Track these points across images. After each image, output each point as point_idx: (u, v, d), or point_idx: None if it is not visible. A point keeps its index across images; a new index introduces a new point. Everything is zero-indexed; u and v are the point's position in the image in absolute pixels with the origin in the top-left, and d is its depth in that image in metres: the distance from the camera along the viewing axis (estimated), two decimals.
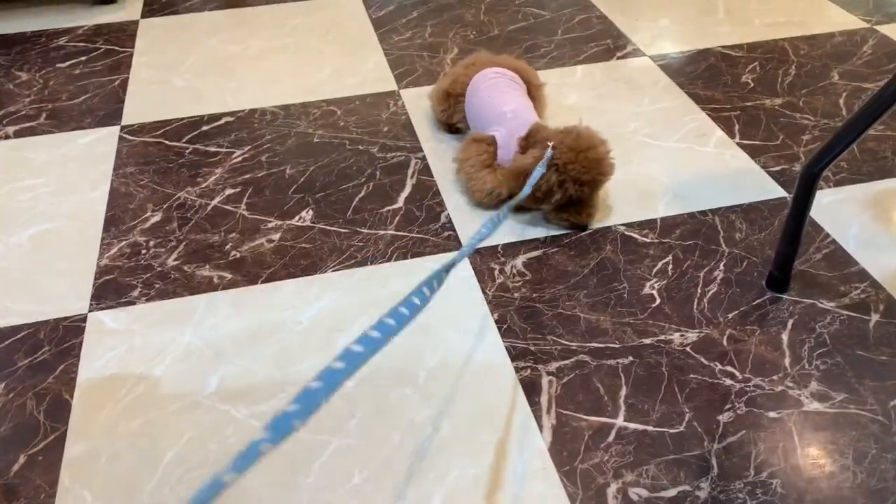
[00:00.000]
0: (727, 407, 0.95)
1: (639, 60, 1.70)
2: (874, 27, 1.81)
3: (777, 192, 1.31)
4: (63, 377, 1.01)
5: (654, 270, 1.15)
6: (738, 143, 1.43)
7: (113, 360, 1.03)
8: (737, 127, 1.47)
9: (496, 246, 1.20)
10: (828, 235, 1.21)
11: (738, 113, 1.51)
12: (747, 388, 0.98)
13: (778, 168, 1.36)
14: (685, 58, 1.71)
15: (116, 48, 1.80)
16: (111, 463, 0.91)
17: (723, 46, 1.74)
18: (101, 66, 1.73)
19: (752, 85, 1.60)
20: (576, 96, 1.59)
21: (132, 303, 1.12)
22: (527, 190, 1.11)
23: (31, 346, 1.06)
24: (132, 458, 0.91)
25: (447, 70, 1.60)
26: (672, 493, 0.86)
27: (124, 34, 1.86)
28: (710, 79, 1.62)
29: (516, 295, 1.11)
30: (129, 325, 1.08)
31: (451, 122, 1.43)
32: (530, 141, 1.23)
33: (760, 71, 1.65)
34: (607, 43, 1.78)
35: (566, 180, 1.15)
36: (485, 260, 1.17)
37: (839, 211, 1.26)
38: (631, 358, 1.02)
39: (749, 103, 1.54)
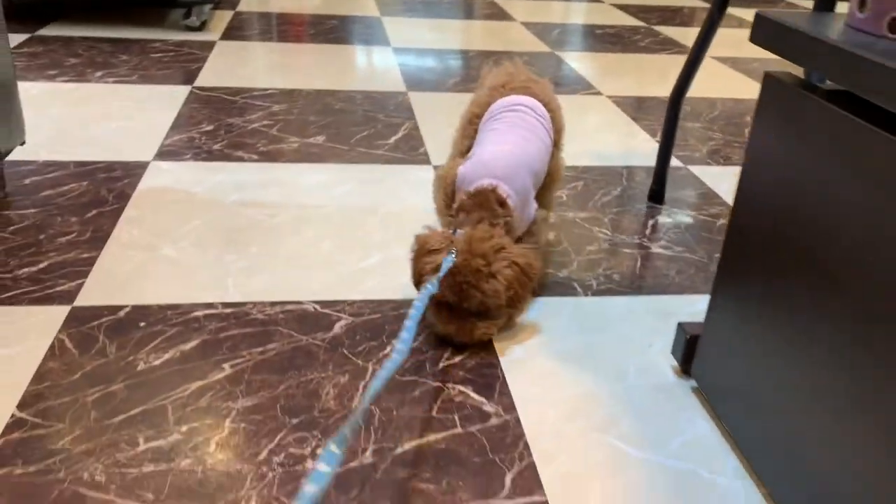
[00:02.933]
0: (602, 247, 1.32)
1: None
2: None
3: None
4: (129, 184, 1.42)
5: (569, 188, 1.55)
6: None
7: (164, 181, 1.44)
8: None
9: None
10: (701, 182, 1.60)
11: None
12: (616, 240, 1.34)
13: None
14: None
15: (196, 52, 2.34)
16: (154, 216, 1.30)
17: None
18: (183, 60, 2.26)
19: None
20: None
21: (182, 160, 1.54)
22: (435, 282, 0.95)
23: (108, 171, 1.47)
24: (169, 216, 1.30)
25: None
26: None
27: (205, 47, 2.41)
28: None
29: None
30: (178, 169, 1.50)
31: None
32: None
33: None
34: None
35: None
36: None
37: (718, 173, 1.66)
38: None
39: None
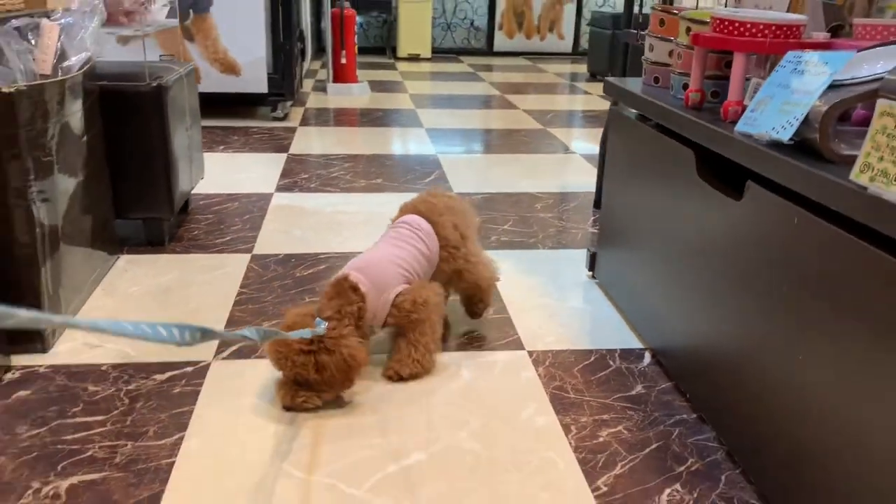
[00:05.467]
0: (557, 229, 2.12)
1: None
2: None
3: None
4: (263, 205, 2.28)
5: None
6: None
7: (284, 202, 2.30)
8: None
9: None
10: None
11: None
12: (566, 227, 2.15)
13: None
14: None
15: (284, 134, 3.26)
16: (283, 219, 2.14)
17: None
18: (277, 139, 3.18)
19: None
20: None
21: (293, 192, 2.40)
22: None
23: (248, 198, 2.34)
24: (292, 218, 2.14)
25: None
26: None
27: (289, 131, 3.34)
28: None
29: None
30: (291, 197, 2.36)
31: None
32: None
33: None
34: None
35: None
36: None
37: None
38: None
39: None
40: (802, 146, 1.00)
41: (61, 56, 1.41)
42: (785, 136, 0.98)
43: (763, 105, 1.07)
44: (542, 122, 3.72)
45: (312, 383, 1.19)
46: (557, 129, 3.58)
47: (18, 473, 1.05)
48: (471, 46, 7.01)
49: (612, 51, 5.02)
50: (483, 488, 1.05)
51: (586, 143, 3.30)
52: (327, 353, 1.18)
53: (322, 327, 1.19)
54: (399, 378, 1.31)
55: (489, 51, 6.96)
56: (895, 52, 0.98)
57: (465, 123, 3.66)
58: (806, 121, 0.97)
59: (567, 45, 7.01)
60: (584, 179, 2.67)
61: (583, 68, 6.07)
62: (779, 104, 1.03)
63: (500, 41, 6.93)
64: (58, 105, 1.38)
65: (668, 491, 1.06)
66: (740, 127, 1.09)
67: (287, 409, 1.22)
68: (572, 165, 2.88)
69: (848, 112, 1.10)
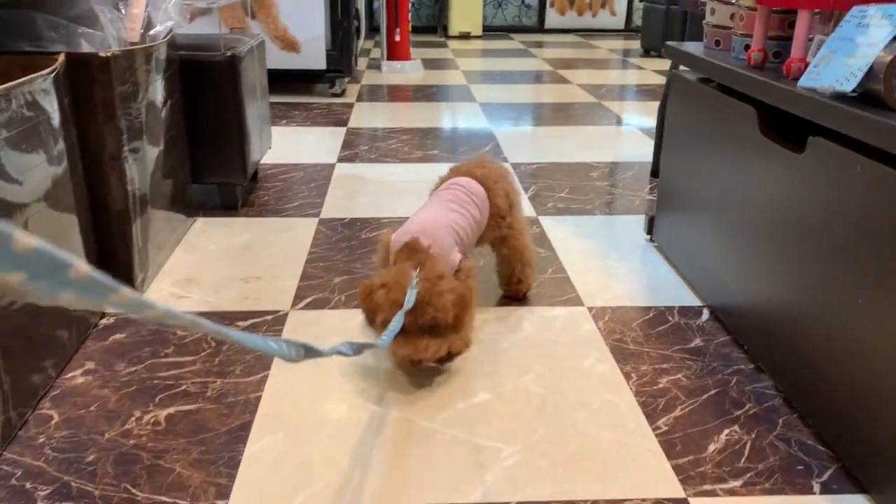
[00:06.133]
0: (614, 196, 2.16)
1: None
2: None
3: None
4: (327, 174, 2.36)
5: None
6: None
7: (346, 172, 2.38)
8: None
9: None
10: None
11: None
12: (622, 192, 2.18)
13: None
14: None
15: (342, 109, 3.35)
16: (348, 187, 2.22)
17: None
18: (336, 114, 3.26)
19: None
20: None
21: (354, 163, 2.48)
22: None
23: (313, 168, 2.42)
24: (356, 186, 2.22)
25: None
26: None
27: (346, 106, 3.42)
28: None
29: None
30: (353, 167, 2.44)
31: None
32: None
33: None
34: None
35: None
36: None
37: None
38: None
39: None
40: (867, 97, 1.02)
41: (147, 25, 1.50)
42: (848, 87, 1.01)
43: (827, 60, 1.09)
44: (596, 96, 3.73)
45: (440, 325, 1.13)
46: (611, 102, 3.59)
47: (121, 403, 1.15)
48: (522, 24, 7.00)
49: (666, 26, 4.97)
50: (548, 426, 1.11)
51: (640, 115, 3.30)
52: (464, 287, 1.16)
53: (414, 283, 1.12)
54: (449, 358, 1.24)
55: (540, 28, 6.94)
56: None
57: (517, 98, 3.69)
58: (870, 72, 0.99)
59: (619, 21, 6.94)
60: (639, 150, 2.69)
61: (636, 44, 6.02)
62: (843, 58, 1.06)
63: (552, 18, 6.91)
64: (146, 72, 1.48)
65: (726, 431, 1.11)
66: (803, 82, 1.12)
67: (416, 362, 1.18)
68: (627, 137, 2.90)
69: None
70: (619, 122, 3.17)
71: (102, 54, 1.32)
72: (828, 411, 1.06)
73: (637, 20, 6.72)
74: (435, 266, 1.16)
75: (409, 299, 1.09)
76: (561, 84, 4.11)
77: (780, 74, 1.25)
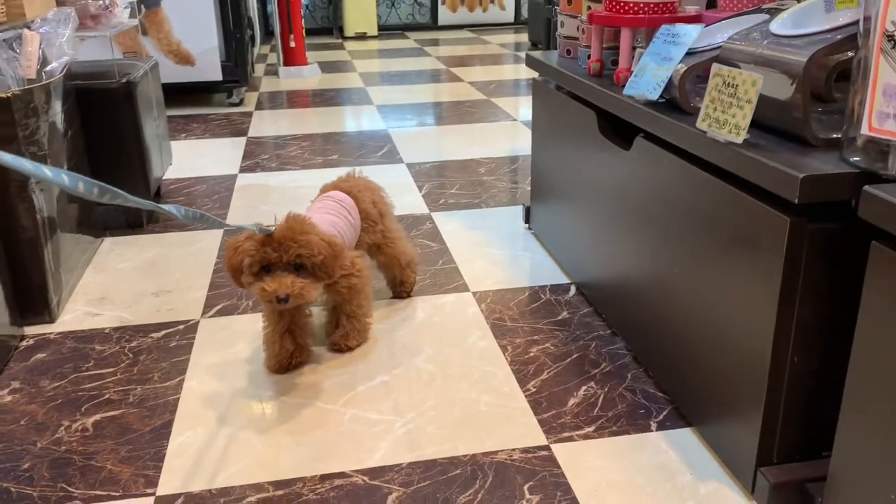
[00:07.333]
0: (497, 189, 2.36)
1: None
2: None
3: None
4: (230, 185, 2.47)
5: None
6: None
7: (249, 182, 2.50)
8: None
9: None
10: None
11: None
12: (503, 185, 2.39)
13: None
14: None
15: (241, 119, 3.44)
16: (249, 196, 2.34)
17: None
18: (235, 124, 3.35)
19: None
20: None
21: (256, 172, 2.60)
22: None
23: (215, 180, 2.53)
24: (258, 196, 2.34)
25: None
26: None
27: (245, 115, 3.51)
28: None
29: None
30: (255, 177, 2.55)
31: None
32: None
33: None
34: None
35: None
36: None
37: None
38: None
39: None
40: (671, 103, 1.24)
41: (43, 62, 1.59)
42: (654, 95, 1.23)
43: (642, 71, 1.31)
44: (486, 93, 3.95)
45: (305, 263, 1.21)
46: (500, 98, 3.81)
47: (50, 416, 1.26)
48: (416, 22, 7.17)
49: (549, 20, 5.24)
50: (436, 398, 1.30)
51: (527, 109, 3.54)
52: (334, 240, 1.28)
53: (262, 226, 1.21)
54: (347, 349, 1.44)
55: (434, 25, 7.13)
56: (737, 23, 1.23)
57: (413, 98, 3.86)
58: (670, 82, 1.21)
59: (509, 15, 7.21)
60: (524, 144, 2.92)
61: (525, 38, 6.29)
62: (653, 69, 1.28)
63: (445, 15, 7.11)
64: (45, 105, 1.57)
65: (584, 388, 1.32)
66: (626, 90, 1.34)
67: (282, 300, 1.21)
68: (514, 132, 3.13)
69: (707, 72, 1.35)
70: (507, 117, 3.40)
71: (2, 94, 1.41)
72: (662, 363, 1.29)
73: (525, 13, 7.00)
74: (307, 220, 1.25)
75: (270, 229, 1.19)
76: (454, 82, 4.31)
77: (613, 82, 1.47)
